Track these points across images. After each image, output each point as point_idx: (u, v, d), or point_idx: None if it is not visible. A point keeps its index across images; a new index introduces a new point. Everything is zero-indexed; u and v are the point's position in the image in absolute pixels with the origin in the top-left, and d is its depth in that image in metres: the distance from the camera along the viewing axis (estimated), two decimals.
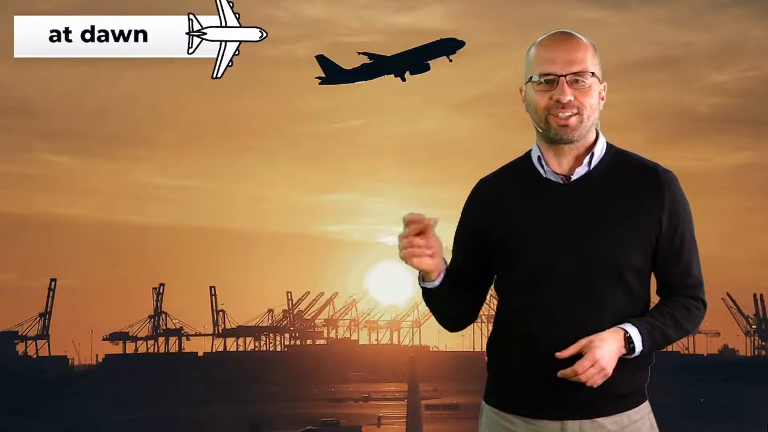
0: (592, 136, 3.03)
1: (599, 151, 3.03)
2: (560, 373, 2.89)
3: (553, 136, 2.99)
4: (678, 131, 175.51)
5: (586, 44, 3.01)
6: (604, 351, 2.88)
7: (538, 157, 3.05)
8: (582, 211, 2.97)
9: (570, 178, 3.01)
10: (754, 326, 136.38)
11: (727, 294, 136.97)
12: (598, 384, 2.90)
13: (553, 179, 3.02)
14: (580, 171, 3.01)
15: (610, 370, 2.89)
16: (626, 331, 2.92)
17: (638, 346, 2.92)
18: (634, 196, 2.98)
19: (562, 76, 2.97)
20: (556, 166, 3.03)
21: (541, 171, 3.03)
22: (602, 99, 3.04)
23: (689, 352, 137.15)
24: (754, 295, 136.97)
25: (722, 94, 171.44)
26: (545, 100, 2.98)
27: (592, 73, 2.99)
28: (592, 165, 3.01)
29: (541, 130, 3.02)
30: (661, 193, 2.99)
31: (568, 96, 2.96)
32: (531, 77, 3.01)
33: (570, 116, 2.97)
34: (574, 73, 2.97)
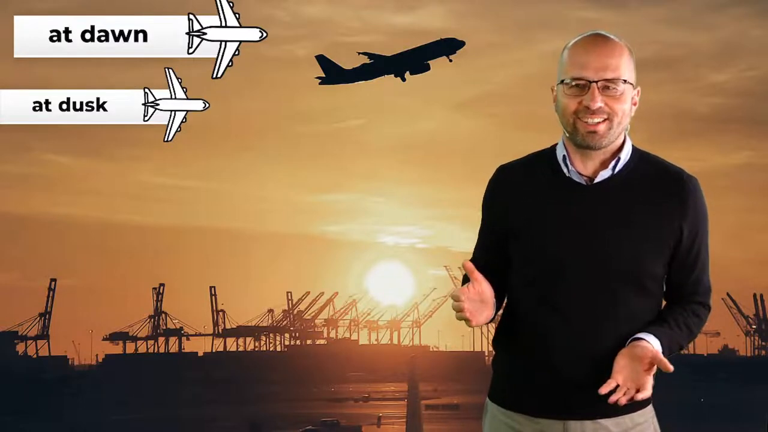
0: (620, 141, 3.00)
1: (625, 155, 2.99)
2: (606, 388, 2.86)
3: (581, 142, 2.96)
4: (678, 131, 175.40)
5: (621, 49, 2.96)
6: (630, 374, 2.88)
7: (564, 156, 3.01)
8: (602, 213, 2.95)
9: (593, 180, 2.98)
10: (754, 326, 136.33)
11: (727, 294, 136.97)
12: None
13: (576, 180, 2.99)
14: (604, 174, 2.98)
15: (648, 389, 2.89)
16: (648, 343, 2.90)
17: None
18: (656, 201, 2.95)
19: (593, 82, 2.92)
20: (581, 167, 2.99)
21: (565, 170, 3.00)
22: (635, 104, 3.00)
23: (689, 352, 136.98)
24: (754, 295, 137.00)
25: (722, 94, 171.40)
26: (574, 104, 2.94)
27: (625, 80, 2.94)
28: (617, 169, 2.98)
29: (568, 134, 2.98)
30: (685, 201, 2.96)
31: (598, 103, 2.92)
32: (563, 80, 2.96)
33: (599, 123, 2.93)
34: (606, 80, 2.92)
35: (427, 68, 57.26)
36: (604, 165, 2.98)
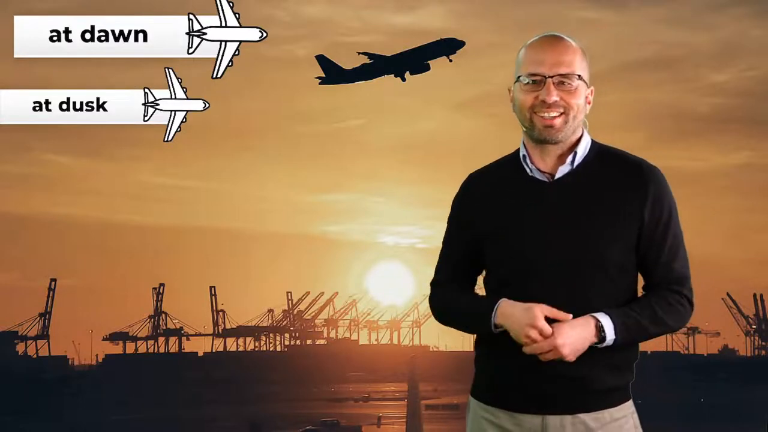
0: (577, 136, 3.08)
1: (582, 149, 3.07)
2: (525, 349, 2.96)
3: (538, 136, 3.05)
4: (678, 131, 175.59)
5: (575, 48, 3.06)
6: (567, 338, 2.92)
7: (524, 156, 3.09)
8: (565, 208, 3.02)
9: (554, 176, 3.06)
10: (754, 326, 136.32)
11: (727, 294, 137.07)
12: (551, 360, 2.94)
13: (538, 177, 3.07)
14: (564, 169, 3.06)
15: (572, 357, 2.94)
16: (598, 320, 2.95)
17: (609, 335, 2.95)
18: (617, 191, 3.02)
19: (548, 77, 3.02)
20: (540, 164, 3.08)
21: (527, 169, 3.09)
22: (589, 103, 3.09)
23: (689, 352, 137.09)
24: (754, 295, 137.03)
25: (722, 94, 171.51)
26: (530, 100, 3.03)
27: (579, 75, 3.04)
28: (575, 163, 3.06)
29: (526, 129, 3.08)
30: (644, 188, 3.02)
31: (554, 96, 3.01)
32: (519, 77, 3.06)
33: (555, 117, 3.02)
34: (561, 75, 3.02)
35: (427, 68, 57.23)
36: (561, 160, 3.06)
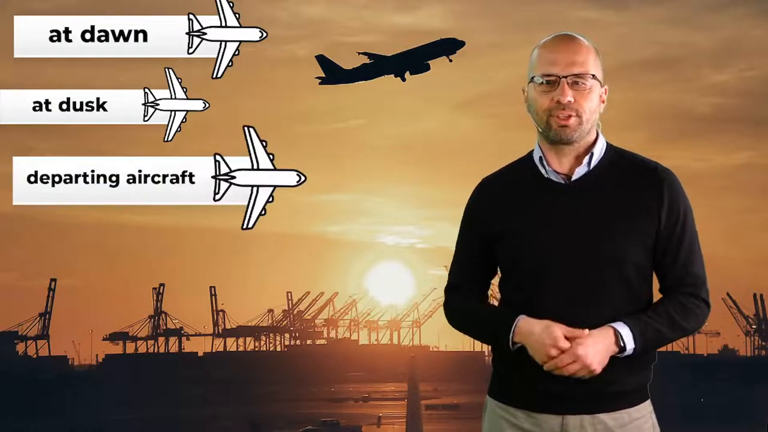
0: (592, 137, 3.08)
1: (599, 150, 3.08)
2: (545, 366, 2.96)
3: (554, 137, 3.04)
4: (678, 131, 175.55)
5: (588, 47, 3.06)
6: (588, 349, 2.92)
7: (540, 158, 3.09)
8: (583, 210, 3.01)
9: (571, 177, 3.06)
10: (754, 326, 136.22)
11: (727, 294, 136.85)
12: (584, 376, 2.94)
13: (555, 179, 3.07)
14: (581, 171, 3.06)
15: (596, 367, 2.94)
16: (616, 330, 2.95)
17: (629, 345, 2.96)
18: (634, 194, 3.02)
19: (563, 77, 3.02)
20: (557, 166, 3.08)
21: (543, 171, 3.09)
22: (603, 102, 3.09)
23: (689, 352, 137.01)
24: (754, 295, 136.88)
25: (722, 94, 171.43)
26: (546, 102, 3.03)
27: (593, 75, 3.04)
28: (592, 164, 3.07)
29: (541, 131, 3.07)
30: (660, 191, 3.03)
31: (568, 97, 3.01)
32: (533, 78, 3.06)
33: (569, 117, 3.02)
34: (575, 75, 3.02)
35: (427, 68, 57.23)
36: (579, 161, 3.07)
